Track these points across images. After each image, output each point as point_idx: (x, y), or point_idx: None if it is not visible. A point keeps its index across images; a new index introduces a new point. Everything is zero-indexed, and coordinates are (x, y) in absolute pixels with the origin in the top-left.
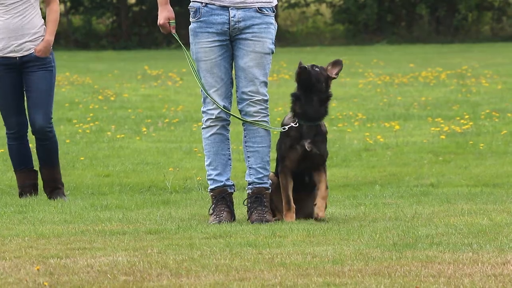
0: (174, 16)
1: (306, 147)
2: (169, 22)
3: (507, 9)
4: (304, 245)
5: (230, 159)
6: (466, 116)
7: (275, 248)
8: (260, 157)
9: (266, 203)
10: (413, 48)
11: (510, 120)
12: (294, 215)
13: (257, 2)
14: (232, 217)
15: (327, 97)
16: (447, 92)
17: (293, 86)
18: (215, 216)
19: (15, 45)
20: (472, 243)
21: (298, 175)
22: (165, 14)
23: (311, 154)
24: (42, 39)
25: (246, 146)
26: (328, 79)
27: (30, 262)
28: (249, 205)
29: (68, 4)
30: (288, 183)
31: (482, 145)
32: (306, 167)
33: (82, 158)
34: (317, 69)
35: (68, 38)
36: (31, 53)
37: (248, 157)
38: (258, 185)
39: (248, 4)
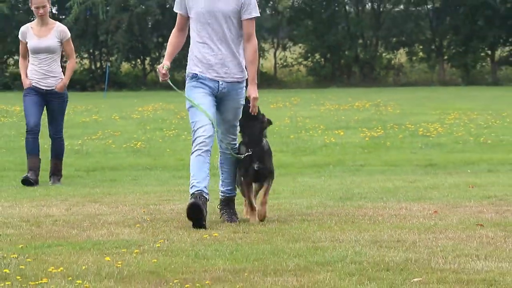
0: (169, 64)
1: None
2: (163, 67)
3: (401, 69)
4: (291, 198)
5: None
6: (379, 127)
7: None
8: (230, 175)
9: (233, 208)
10: (350, 90)
11: (404, 129)
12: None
13: (237, 77)
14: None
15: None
16: (369, 114)
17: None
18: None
19: (42, 82)
20: (383, 197)
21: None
22: (163, 62)
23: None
24: (61, 80)
25: (220, 166)
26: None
27: (139, 207)
28: (221, 208)
29: None
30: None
31: (388, 143)
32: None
33: (168, 150)
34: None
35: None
36: (52, 88)
37: (222, 174)
38: (227, 195)
39: (231, 79)
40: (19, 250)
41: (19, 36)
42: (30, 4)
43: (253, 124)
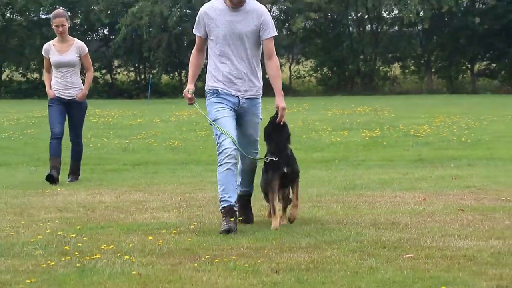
0: (193, 88)
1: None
2: (188, 91)
3: (396, 80)
4: (303, 188)
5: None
6: (378, 129)
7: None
8: (249, 178)
9: (249, 207)
10: (353, 98)
11: (398, 130)
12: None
13: (256, 94)
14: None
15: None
16: (369, 117)
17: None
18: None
19: (65, 93)
20: (380, 187)
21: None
22: (188, 86)
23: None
24: (81, 91)
25: (240, 171)
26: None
27: (176, 195)
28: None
29: None
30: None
31: (385, 142)
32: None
33: (200, 148)
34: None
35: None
36: (74, 98)
37: (241, 178)
38: (244, 194)
39: (251, 95)
40: (77, 230)
41: (43, 53)
42: (51, 23)
43: (280, 133)
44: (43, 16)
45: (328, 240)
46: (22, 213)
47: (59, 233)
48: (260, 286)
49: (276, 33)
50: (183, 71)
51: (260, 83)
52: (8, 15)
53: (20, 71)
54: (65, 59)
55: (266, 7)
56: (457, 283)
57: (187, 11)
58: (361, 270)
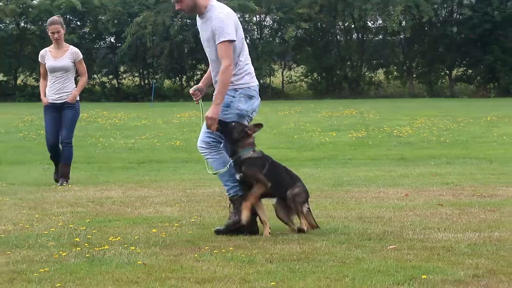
0: (199, 85)
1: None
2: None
3: (380, 85)
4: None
5: None
6: (363, 130)
7: None
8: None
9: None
10: (341, 101)
11: (382, 131)
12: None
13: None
14: None
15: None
16: (355, 119)
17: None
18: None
19: (56, 97)
20: (366, 184)
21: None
22: (196, 86)
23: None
24: (72, 93)
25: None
26: (243, 131)
27: (178, 191)
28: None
29: None
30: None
31: (370, 142)
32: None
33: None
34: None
35: None
36: (65, 101)
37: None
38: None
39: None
40: (86, 223)
41: (39, 59)
42: (47, 30)
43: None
44: None
45: (318, 232)
46: (36, 208)
47: (70, 226)
48: (256, 275)
49: (225, 38)
50: (184, 76)
51: (236, 79)
52: (22, 24)
53: (34, 76)
54: (59, 64)
55: (260, 17)
56: (437, 272)
57: (188, 20)
58: (348, 260)
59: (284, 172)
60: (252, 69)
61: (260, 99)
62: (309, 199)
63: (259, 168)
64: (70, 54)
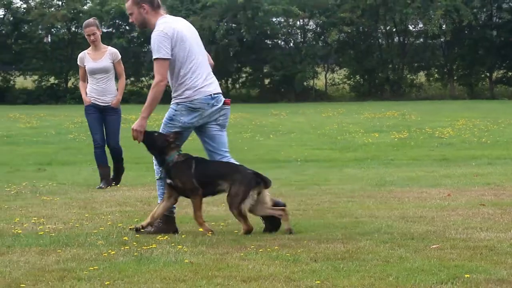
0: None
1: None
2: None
3: (421, 87)
4: (338, 184)
5: None
6: (405, 131)
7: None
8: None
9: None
10: (383, 103)
11: (424, 132)
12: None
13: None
14: None
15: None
16: (397, 121)
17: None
18: None
19: (100, 99)
20: (408, 184)
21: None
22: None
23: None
24: (115, 97)
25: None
26: (165, 140)
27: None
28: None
29: None
30: None
31: (412, 143)
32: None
33: (245, 148)
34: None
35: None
36: (109, 104)
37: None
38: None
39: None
40: (135, 223)
41: (78, 62)
42: (83, 32)
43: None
44: (104, 30)
45: (362, 231)
46: (86, 207)
47: (119, 225)
48: (300, 274)
49: (155, 56)
50: (230, 79)
51: (176, 93)
52: (73, 29)
53: None
54: (99, 66)
55: (303, 21)
56: (480, 271)
57: (233, 25)
58: (392, 259)
59: (217, 166)
60: (199, 82)
61: (217, 106)
62: (267, 184)
63: (187, 170)
64: (109, 55)
